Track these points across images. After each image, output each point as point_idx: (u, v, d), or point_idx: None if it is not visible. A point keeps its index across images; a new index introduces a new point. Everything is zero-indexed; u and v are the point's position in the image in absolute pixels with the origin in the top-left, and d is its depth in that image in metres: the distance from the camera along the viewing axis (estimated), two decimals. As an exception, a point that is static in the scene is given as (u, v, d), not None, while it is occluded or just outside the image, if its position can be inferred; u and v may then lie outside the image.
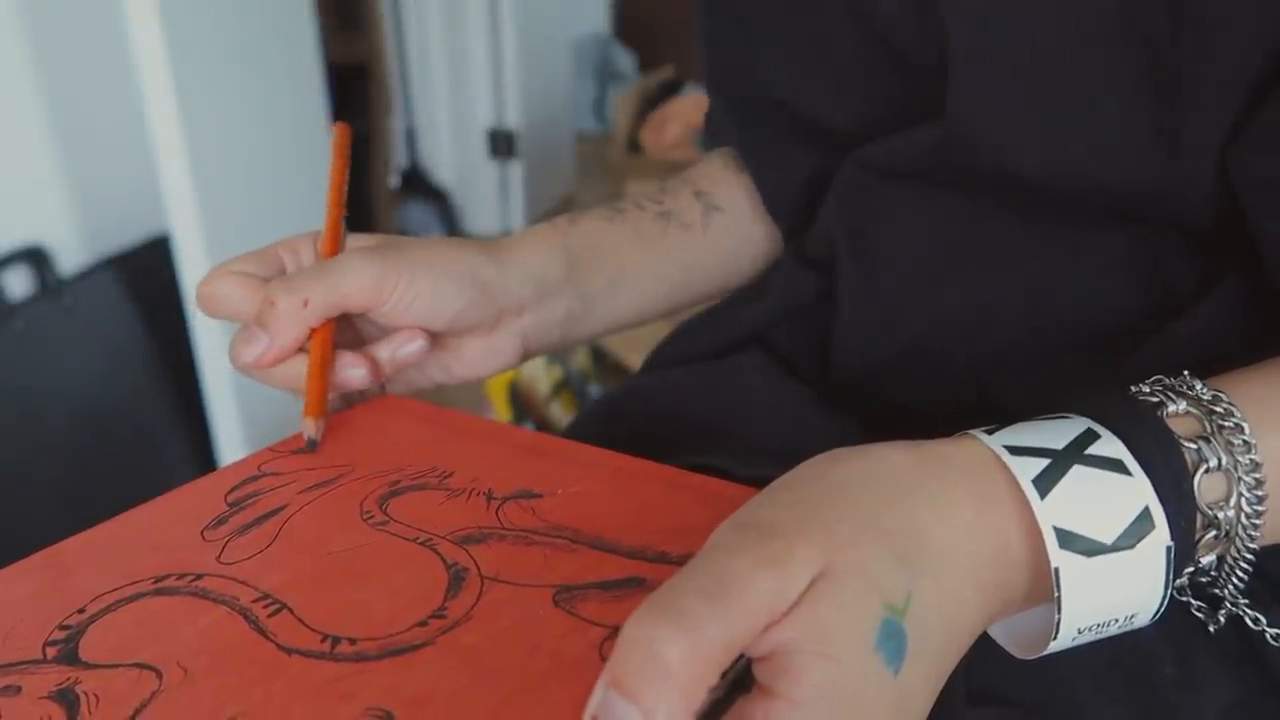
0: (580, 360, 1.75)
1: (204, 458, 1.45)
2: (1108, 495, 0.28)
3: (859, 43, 0.45)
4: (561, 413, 1.66)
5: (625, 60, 3.83)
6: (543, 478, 0.39)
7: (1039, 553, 0.28)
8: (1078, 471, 0.28)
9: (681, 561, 0.27)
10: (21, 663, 0.30)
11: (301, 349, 0.44)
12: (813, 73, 0.48)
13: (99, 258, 1.38)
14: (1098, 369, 0.39)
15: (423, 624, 0.30)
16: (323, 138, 1.52)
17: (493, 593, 0.32)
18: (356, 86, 2.26)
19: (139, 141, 1.30)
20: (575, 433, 0.53)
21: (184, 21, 1.19)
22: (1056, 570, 0.28)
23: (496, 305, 0.47)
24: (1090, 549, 0.28)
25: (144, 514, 0.39)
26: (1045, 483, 0.28)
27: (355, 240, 0.47)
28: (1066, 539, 0.28)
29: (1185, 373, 0.32)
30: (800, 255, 0.52)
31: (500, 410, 1.70)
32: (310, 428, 0.43)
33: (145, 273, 1.40)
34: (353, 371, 0.45)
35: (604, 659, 0.27)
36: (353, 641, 0.30)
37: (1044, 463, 0.29)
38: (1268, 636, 0.34)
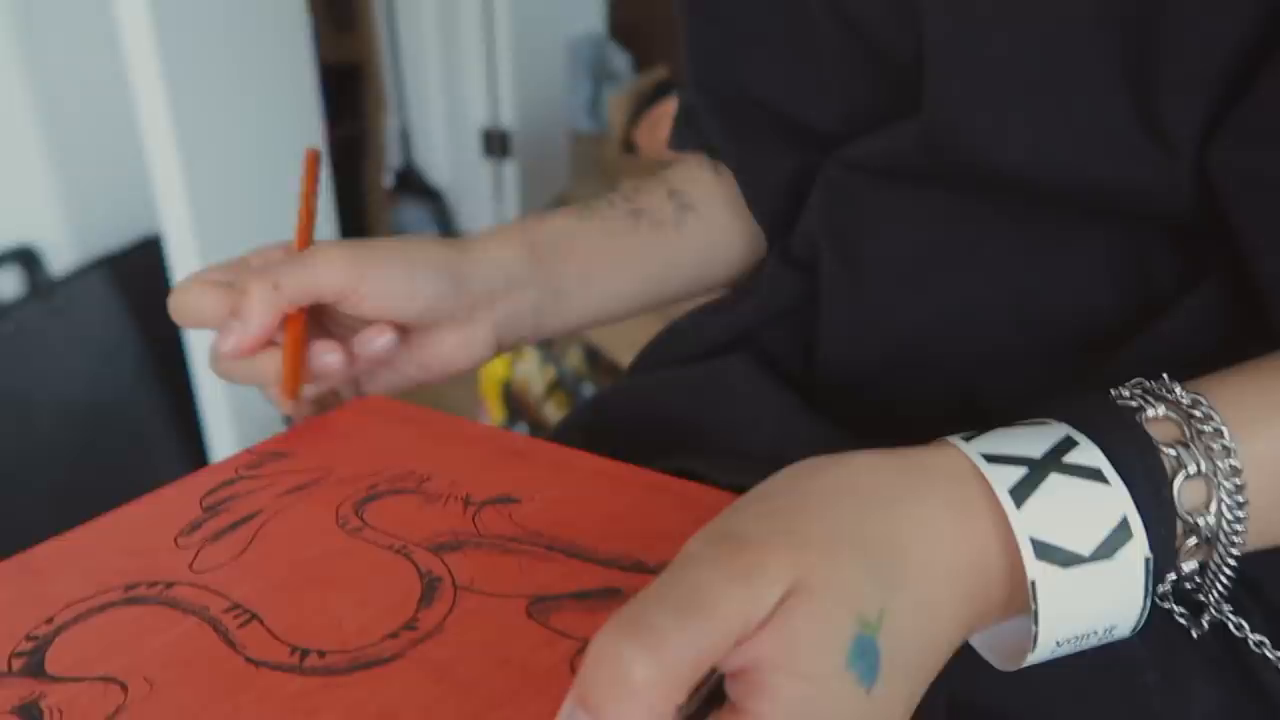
0: (574, 360, 1.75)
1: (195, 459, 1.45)
2: (1085, 505, 0.28)
3: (840, 41, 0.45)
4: (555, 413, 1.66)
5: (620, 60, 3.81)
6: (522, 482, 0.38)
7: (1017, 563, 0.28)
8: (1055, 480, 0.28)
9: (658, 570, 0.27)
10: (-13, 675, 0.30)
11: (274, 342, 0.44)
12: (794, 72, 0.48)
13: (90, 258, 1.38)
14: (1083, 367, 0.39)
15: (394, 635, 0.30)
16: (317, 138, 1.51)
17: (466, 603, 0.31)
18: (350, 86, 2.25)
19: (130, 142, 1.30)
20: (563, 434, 0.53)
21: (176, 21, 1.19)
22: (1033, 582, 0.27)
23: (468, 296, 0.48)
24: (1067, 560, 0.27)
25: (118, 518, 0.38)
26: (1022, 492, 0.28)
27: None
28: (1043, 550, 0.27)
29: (1165, 375, 0.32)
30: (785, 256, 0.51)
31: (494, 411, 1.70)
32: (287, 405, 0.43)
33: (136, 273, 1.40)
34: (328, 357, 0.45)
35: (575, 673, 0.27)
36: (322, 654, 0.29)
37: (1021, 471, 0.28)
38: (1250, 643, 0.34)
